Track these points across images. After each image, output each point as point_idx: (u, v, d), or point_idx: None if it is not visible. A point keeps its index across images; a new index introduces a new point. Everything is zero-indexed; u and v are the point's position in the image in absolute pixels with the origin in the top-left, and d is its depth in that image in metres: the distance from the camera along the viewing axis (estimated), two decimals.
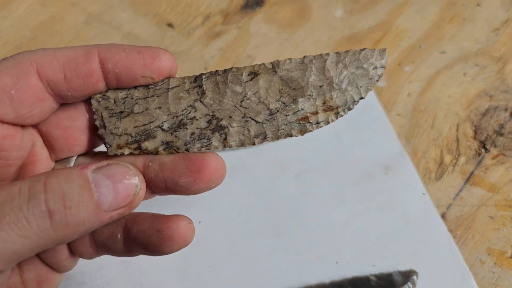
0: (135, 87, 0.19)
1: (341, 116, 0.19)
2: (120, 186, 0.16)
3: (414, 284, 0.25)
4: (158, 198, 0.21)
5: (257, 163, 0.30)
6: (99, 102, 0.19)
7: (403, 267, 0.25)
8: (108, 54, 0.18)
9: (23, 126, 0.19)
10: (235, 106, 0.19)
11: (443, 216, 0.27)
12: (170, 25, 0.38)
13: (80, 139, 0.20)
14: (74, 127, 0.20)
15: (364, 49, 0.19)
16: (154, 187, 0.19)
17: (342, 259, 0.26)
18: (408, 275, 0.25)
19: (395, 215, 0.27)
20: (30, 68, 0.17)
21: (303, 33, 0.37)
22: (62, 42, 0.37)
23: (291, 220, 0.27)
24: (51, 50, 0.18)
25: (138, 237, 0.18)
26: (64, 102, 0.19)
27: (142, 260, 0.27)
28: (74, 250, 0.20)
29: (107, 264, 0.26)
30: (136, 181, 0.17)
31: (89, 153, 0.21)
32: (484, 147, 0.30)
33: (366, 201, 0.28)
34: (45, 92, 0.18)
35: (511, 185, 0.28)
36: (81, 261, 0.22)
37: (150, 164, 0.19)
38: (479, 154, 0.30)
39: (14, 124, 0.18)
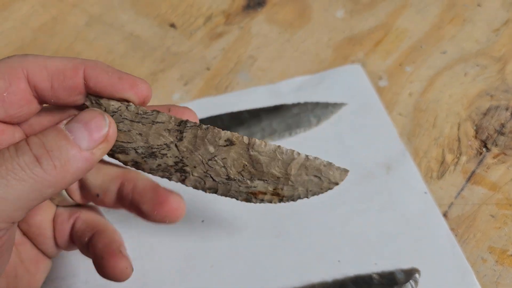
0: (127, 107, 0.21)
1: (284, 202, 0.22)
2: (91, 124, 0.19)
3: (416, 282, 0.25)
4: None
5: None
6: (92, 103, 0.21)
7: (405, 266, 0.25)
8: (93, 73, 0.20)
9: (13, 124, 0.21)
10: (202, 161, 0.21)
11: (444, 215, 0.27)
12: (172, 25, 0.38)
13: None
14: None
15: (331, 163, 0.22)
16: (122, 202, 0.22)
17: (344, 258, 0.26)
18: (410, 273, 0.25)
19: (396, 214, 0.27)
20: (21, 73, 0.19)
21: (304, 33, 0.37)
22: (64, 43, 0.37)
23: (292, 220, 0.27)
24: (42, 58, 0.20)
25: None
26: (45, 105, 0.21)
27: (145, 259, 0.27)
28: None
29: None
30: (104, 118, 0.19)
31: None
32: (485, 146, 0.30)
33: (367, 200, 0.28)
34: (32, 95, 0.20)
35: None
36: (86, 260, 0.22)
37: (125, 183, 0.22)
38: (480, 153, 0.30)
39: (5, 122, 0.20)
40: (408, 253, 0.26)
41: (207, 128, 0.21)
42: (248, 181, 0.21)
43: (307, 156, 0.21)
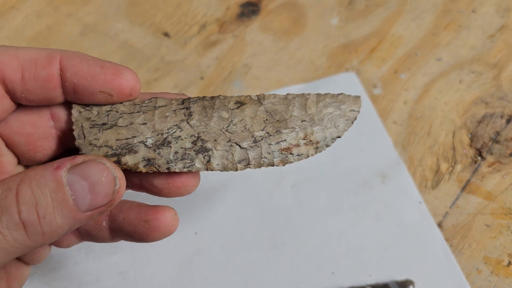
0: (121, 102, 0.19)
1: (320, 151, 0.20)
2: (97, 187, 0.16)
3: None
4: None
5: (254, 173, 0.30)
6: (80, 112, 0.19)
7: (400, 277, 0.25)
8: (70, 62, 0.17)
9: None
10: (221, 130, 0.19)
11: (439, 225, 0.27)
12: (166, 34, 0.38)
13: (43, 147, 0.19)
14: (37, 134, 0.19)
15: (340, 93, 0.21)
16: (129, 184, 0.19)
17: (339, 269, 0.26)
18: (404, 285, 0.25)
19: (391, 224, 0.27)
20: None
21: (299, 41, 0.37)
22: None
23: (287, 231, 0.27)
24: (13, 48, 0.17)
25: (125, 225, 0.19)
26: (19, 103, 0.18)
27: (140, 272, 0.27)
28: None
29: (104, 276, 0.26)
30: (114, 179, 0.16)
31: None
32: (480, 154, 0.30)
33: (363, 210, 0.28)
34: (2, 90, 0.17)
35: (507, 193, 0.28)
36: (80, 274, 0.22)
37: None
38: (475, 162, 0.30)
39: None
40: (403, 264, 0.26)
41: (212, 97, 0.19)
42: (276, 135, 0.19)
43: (317, 93, 0.21)
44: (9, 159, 0.19)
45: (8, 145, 0.19)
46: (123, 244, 0.27)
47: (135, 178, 0.19)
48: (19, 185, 0.15)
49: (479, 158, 0.30)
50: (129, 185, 0.19)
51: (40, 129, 0.19)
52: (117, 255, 0.27)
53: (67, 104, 0.19)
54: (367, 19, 0.38)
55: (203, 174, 0.30)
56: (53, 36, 0.38)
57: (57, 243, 0.20)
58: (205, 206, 0.28)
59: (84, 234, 0.20)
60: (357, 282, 0.25)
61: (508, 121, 0.31)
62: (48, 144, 0.19)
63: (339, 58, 0.36)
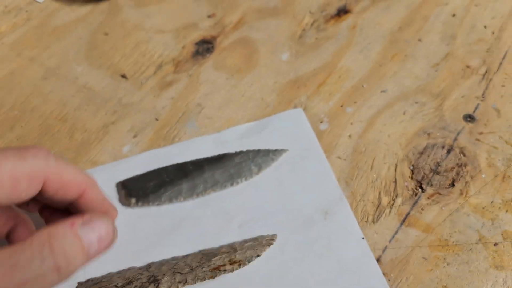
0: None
1: (243, 266, 0.28)
2: (103, 237, 0.22)
3: None
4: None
5: (204, 214, 0.31)
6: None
7: None
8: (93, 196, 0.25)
9: None
10: (169, 269, 0.27)
11: (378, 260, 0.28)
12: (123, 76, 0.39)
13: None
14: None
15: (260, 235, 0.29)
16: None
17: None
18: None
19: (333, 261, 0.28)
20: (42, 178, 0.23)
21: (251, 78, 0.38)
22: (20, 98, 0.39)
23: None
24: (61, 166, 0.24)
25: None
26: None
27: None
28: None
29: None
30: (114, 231, 0.23)
31: None
32: (420, 186, 0.31)
33: (305, 248, 0.29)
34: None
35: (444, 224, 0.29)
36: None
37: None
38: (416, 194, 0.31)
39: None
40: None
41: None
42: (208, 262, 0.27)
43: (243, 240, 0.29)
44: None
45: None
46: None
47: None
48: (50, 240, 0.20)
49: (419, 190, 0.31)
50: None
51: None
52: None
53: None
54: (317, 53, 0.39)
55: (153, 217, 0.31)
56: (15, 81, 0.40)
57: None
58: (154, 251, 0.29)
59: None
60: None
61: (448, 152, 0.33)
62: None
63: (289, 94, 0.37)
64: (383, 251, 0.29)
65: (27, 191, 0.22)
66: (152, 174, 0.32)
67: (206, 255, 0.28)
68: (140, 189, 0.32)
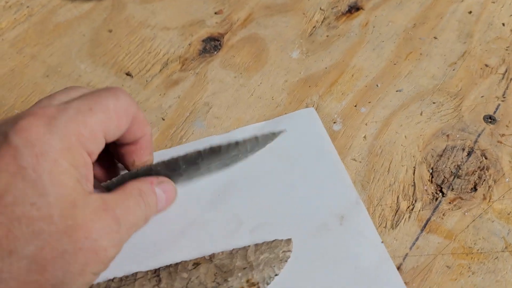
0: (112, 279, 0.26)
1: None
2: (169, 198, 0.26)
3: None
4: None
5: (215, 218, 0.29)
6: None
7: None
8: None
9: None
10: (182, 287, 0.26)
11: (399, 268, 0.27)
12: (128, 74, 0.38)
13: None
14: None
15: (275, 239, 0.28)
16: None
17: None
18: None
19: (350, 268, 0.27)
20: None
21: (260, 77, 0.37)
22: (21, 97, 0.37)
23: None
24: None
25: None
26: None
27: None
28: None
29: None
30: (176, 193, 0.27)
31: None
32: (441, 190, 0.30)
33: (321, 255, 0.27)
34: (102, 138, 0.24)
35: (468, 231, 0.28)
36: None
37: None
38: (436, 199, 0.29)
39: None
40: None
41: (177, 263, 0.27)
42: (224, 284, 0.26)
43: (255, 244, 0.28)
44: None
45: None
46: None
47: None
48: (142, 194, 0.24)
49: (440, 194, 0.30)
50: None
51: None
52: None
53: None
54: (328, 51, 0.38)
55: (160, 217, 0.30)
56: (16, 80, 0.38)
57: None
58: (162, 256, 0.28)
59: None
60: None
61: (469, 154, 0.31)
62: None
63: (300, 93, 0.35)
64: (404, 258, 0.27)
65: (126, 125, 0.24)
66: (140, 173, 0.27)
67: (220, 269, 0.26)
68: None
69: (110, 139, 0.24)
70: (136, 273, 0.27)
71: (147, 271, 0.27)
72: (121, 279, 0.26)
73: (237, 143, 0.27)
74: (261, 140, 0.28)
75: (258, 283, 0.26)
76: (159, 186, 0.25)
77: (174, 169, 0.27)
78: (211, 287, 0.26)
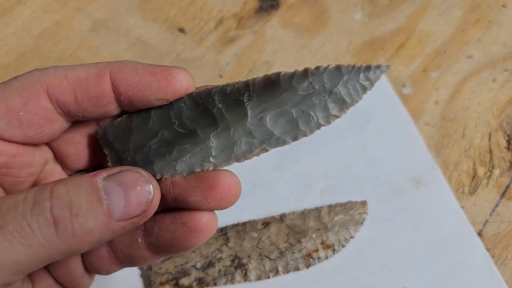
0: None
1: (337, 252, 0.25)
2: (132, 194, 0.15)
3: None
4: None
5: (281, 177, 0.28)
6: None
7: None
8: (120, 76, 0.17)
9: (35, 145, 0.18)
10: (252, 247, 0.25)
11: (479, 234, 0.26)
12: (181, 30, 0.36)
13: (91, 154, 0.20)
14: (84, 142, 0.19)
15: (348, 201, 0.26)
16: (163, 203, 0.18)
17: (373, 282, 0.24)
18: None
19: (428, 233, 0.26)
20: (40, 89, 0.17)
21: (322, 38, 0.35)
22: (67, 50, 0.36)
23: (326, 259, 0.26)
24: (62, 69, 0.17)
25: (161, 235, 0.18)
26: (76, 120, 0.19)
27: None
28: (89, 266, 0.19)
29: None
30: (149, 188, 0.16)
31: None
32: None
33: (397, 219, 0.26)
34: (55, 113, 0.18)
35: None
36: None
37: (162, 179, 0.18)
38: None
39: (24, 144, 0.18)
40: (441, 276, 0.24)
41: (244, 222, 0.25)
42: (297, 244, 0.25)
43: (328, 205, 0.26)
44: (58, 170, 0.19)
45: (58, 156, 0.19)
46: None
47: (170, 199, 0.18)
48: (55, 185, 0.15)
49: None
50: (162, 207, 0.18)
51: (87, 138, 0.19)
52: None
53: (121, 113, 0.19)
54: (392, 15, 0.36)
55: None
56: (61, 33, 0.37)
57: (96, 269, 0.19)
58: (230, 212, 0.27)
59: (122, 257, 0.19)
60: None
61: None
62: (94, 152, 0.19)
63: (365, 55, 0.34)
64: (484, 225, 0.26)
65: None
66: (154, 121, 0.18)
67: (292, 229, 0.25)
68: (135, 150, 0.18)
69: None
70: None
71: None
72: None
73: (305, 72, 0.17)
74: (349, 75, 0.17)
75: (333, 245, 0.25)
76: (110, 178, 0.16)
77: (205, 110, 0.17)
78: (284, 247, 0.25)
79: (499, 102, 0.31)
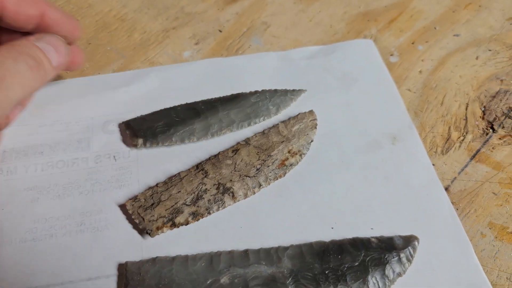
0: (157, 184, 0.26)
1: (304, 156, 0.28)
2: (59, 49, 0.24)
3: (415, 249, 0.24)
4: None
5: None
6: (133, 204, 0.25)
7: (404, 234, 0.25)
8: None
9: None
10: (231, 172, 0.26)
11: (446, 189, 0.27)
12: None
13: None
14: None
15: (298, 114, 0.30)
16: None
17: (342, 221, 0.26)
18: (409, 240, 0.25)
19: (399, 184, 0.27)
20: None
21: (320, 5, 0.37)
22: None
23: (295, 183, 0.27)
24: None
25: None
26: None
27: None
28: None
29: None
30: (65, 44, 0.25)
31: None
32: (492, 127, 0.30)
33: (371, 168, 0.28)
34: None
35: None
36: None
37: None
38: (487, 134, 0.30)
39: None
40: (407, 222, 0.26)
41: (217, 154, 0.27)
42: (269, 159, 0.27)
43: (283, 121, 0.29)
44: None
45: None
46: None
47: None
48: (15, 47, 0.22)
49: (490, 130, 0.30)
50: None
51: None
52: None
53: None
54: None
55: (165, 157, 0.30)
56: None
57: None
58: (194, 156, 0.28)
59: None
60: (358, 234, 0.25)
61: None
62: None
63: (358, 25, 0.35)
64: (452, 181, 0.28)
65: None
66: (160, 114, 0.29)
67: (260, 148, 0.27)
68: (147, 129, 0.28)
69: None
70: (179, 173, 0.27)
71: (189, 169, 0.27)
72: (165, 182, 0.26)
73: (256, 91, 0.30)
74: (281, 94, 0.30)
75: (299, 150, 0.28)
76: (40, 40, 0.23)
77: (193, 109, 0.29)
78: (258, 164, 0.27)
79: (479, 77, 0.33)
